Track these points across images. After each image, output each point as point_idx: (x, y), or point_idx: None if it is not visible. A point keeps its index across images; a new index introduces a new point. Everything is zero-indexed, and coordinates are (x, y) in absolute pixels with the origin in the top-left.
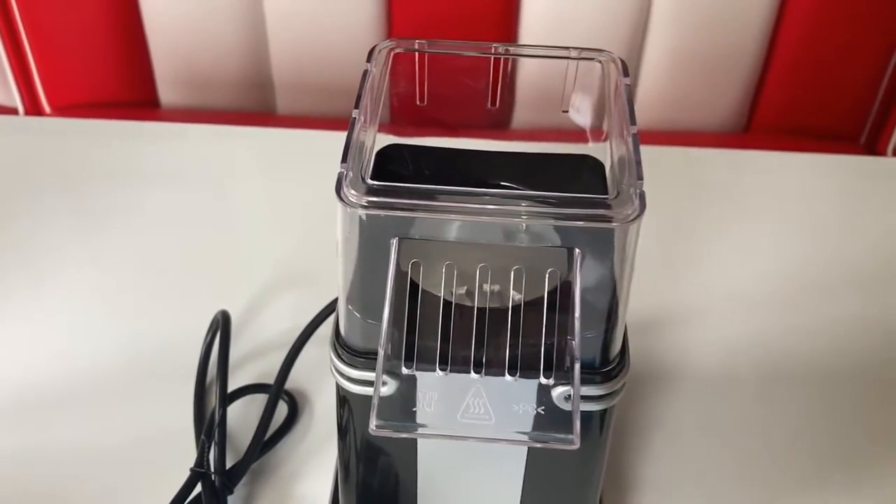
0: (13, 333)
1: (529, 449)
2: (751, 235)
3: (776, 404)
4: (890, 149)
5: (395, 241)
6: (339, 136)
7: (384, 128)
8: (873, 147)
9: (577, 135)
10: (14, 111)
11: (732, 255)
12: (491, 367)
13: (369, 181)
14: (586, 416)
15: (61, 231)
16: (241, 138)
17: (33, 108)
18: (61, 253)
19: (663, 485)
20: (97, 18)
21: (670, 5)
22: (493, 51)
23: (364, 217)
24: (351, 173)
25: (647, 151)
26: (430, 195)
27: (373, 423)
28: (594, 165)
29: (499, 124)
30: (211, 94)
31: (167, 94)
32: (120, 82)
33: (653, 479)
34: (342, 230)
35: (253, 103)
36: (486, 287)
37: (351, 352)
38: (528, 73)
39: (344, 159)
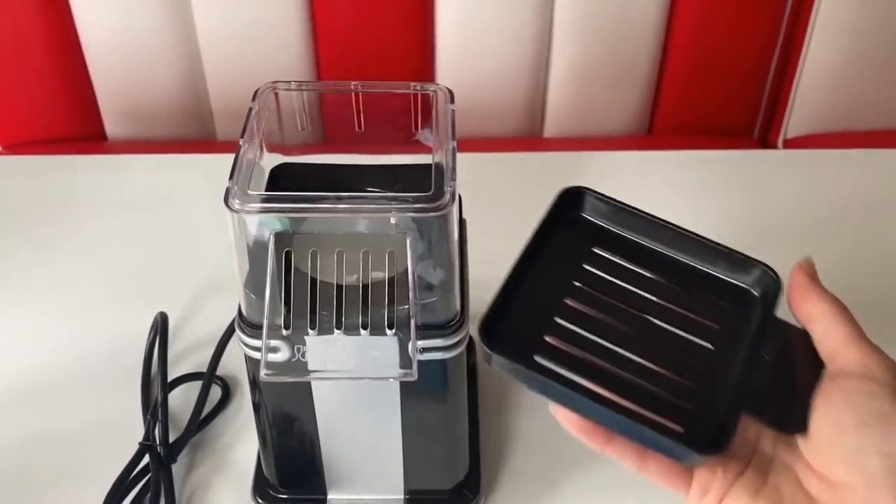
0: None
1: (402, 394)
2: None
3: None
4: (780, 140)
5: (271, 236)
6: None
7: (274, 149)
8: (766, 139)
9: (427, 147)
10: None
11: None
12: (349, 327)
13: (249, 192)
14: (440, 363)
15: (16, 256)
16: (182, 166)
17: None
18: (18, 274)
19: (535, 432)
20: (42, 60)
21: (570, 24)
22: (351, 87)
23: (246, 220)
24: (237, 187)
25: (557, 157)
26: (297, 200)
27: (262, 372)
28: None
29: (366, 143)
30: (154, 126)
31: (113, 127)
32: (67, 119)
33: (525, 428)
34: (232, 232)
35: (194, 131)
36: (343, 267)
37: (251, 326)
38: (383, 102)
39: (231, 177)
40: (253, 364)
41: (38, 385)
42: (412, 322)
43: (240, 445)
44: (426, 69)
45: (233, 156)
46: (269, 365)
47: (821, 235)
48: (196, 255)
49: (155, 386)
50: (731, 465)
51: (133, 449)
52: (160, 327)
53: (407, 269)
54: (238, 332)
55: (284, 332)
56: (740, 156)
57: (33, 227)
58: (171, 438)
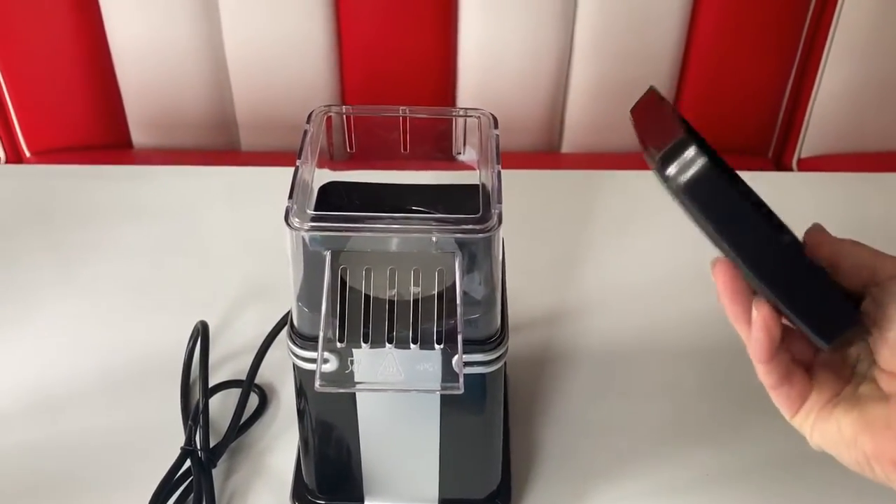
0: (24, 348)
1: (441, 406)
2: (651, 243)
3: (651, 373)
4: (794, 160)
5: (328, 254)
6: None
7: (324, 166)
8: (780, 159)
9: (469, 166)
10: None
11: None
12: (400, 341)
13: (308, 211)
14: (480, 377)
15: (58, 263)
16: (207, 176)
17: (13, 154)
18: (60, 281)
19: (563, 444)
20: (72, 69)
21: (590, 42)
22: (400, 112)
23: (305, 237)
24: (296, 206)
25: (572, 175)
26: (353, 220)
27: (317, 383)
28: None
29: (411, 164)
30: (180, 135)
31: (139, 135)
32: (95, 127)
33: (554, 448)
34: (290, 248)
35: (219, 141)
36: (395, 284)
37: (302, 338)
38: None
39: (290, 196)
40: (302, 373)
41: (76, 391)
42: (459, 337)
43: (277, 451)
44: (448, 83)
45: (254, 169)
46: (323, 376)
47: None
48: (228, 264)
49: (194, 393)
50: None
51: (172, 454)
52: (201, 334)
53: (454, 286)
54: (288, 342)
55: (339, 345)
56: (756, 177)
57: (63, 235)
58: (211, 444)
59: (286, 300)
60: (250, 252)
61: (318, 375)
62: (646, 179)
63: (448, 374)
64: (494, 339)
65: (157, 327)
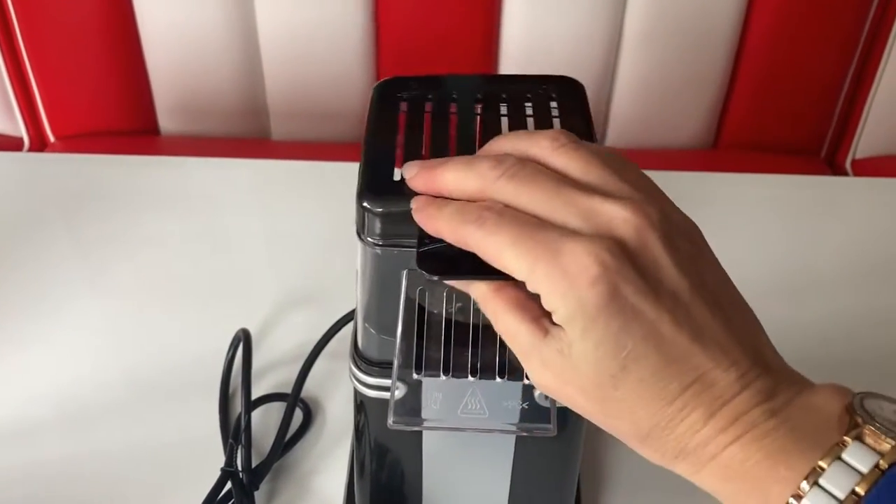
0: (55, 353)
1: (517, 440)
2: (714, 249)
3: None
4: (848, 161)
5: (405, 273)
6: (328, 166)
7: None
8: (833, 159)
9: None
10: (20, 141)
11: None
12: (484, 371)
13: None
14: (562, 411)
15: (84, 258)
16: (238, 169)
17: (38, 138)
18: (93, 279)
19: (635, 478)
20: (100, 53)
21: (640, 31)
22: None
23: (381, 253)
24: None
25: None
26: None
27: (390, 419)
28: None
29: None
30: (208, 122)
31: (167, 122)
32: (121, 112)
33: (626, 474)
34: (361, 264)
35: (248, 129)
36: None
37: (367, 362)
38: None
39: None
40: (366, 400)
41: (108, 401)
42: None
43: (324, 472)
44: (489, 72)
45: (288, 163)
46: (397, 410)
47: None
48: (267, 265)
49: (233, 405)
50: None
51: (209, 472)
52: (243, 343)
53: None
54: (352, 366)
55: (414, 376)
56: (810, 181)
57: (88, 228)
58: (253, 464)
59: (330, 307)
60: (288, 251)
61: (391, 410)
62: (697, 180)
63: (533, 411)
64: None
65: (191, 333)
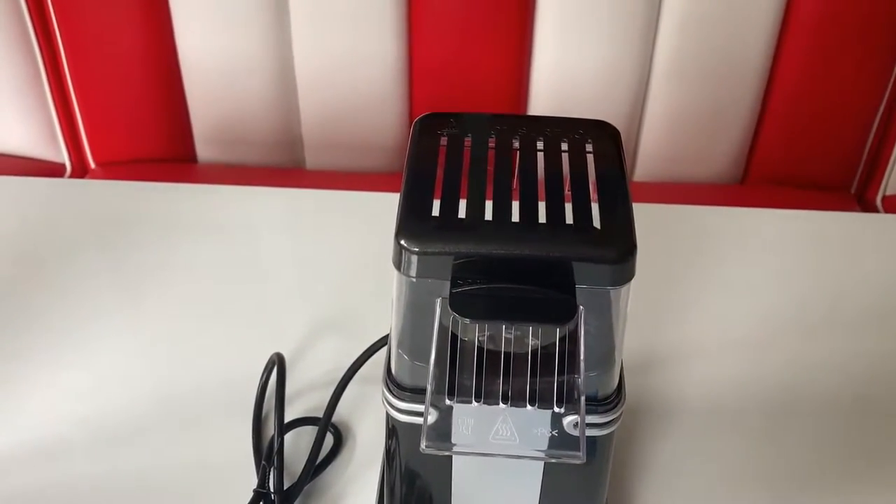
0: (91, 376)
1: (545, 467)
2: (742, 285)
3: (755, 435)
4: (879, 198)
5: (439, 301)
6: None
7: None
8: (863, 196)
9: None
10: (62, 167)
11: (727, 301)
12: (515, 399)
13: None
14: (591, 440)
15: (119, 286)
16: (272, 197)
17: (80, 165)
18: (130, 303)
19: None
20: (141, 83)
21: (669, 68)
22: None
23: (416, 282)
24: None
25: (648, 209)
26: None
27: (423, 444)
28: None
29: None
30: (244, 151)
31: (204, 150)
32: (161, 140)
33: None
34: (396, 291)
35: (283, 159)
36: (511, 336)
37: (399, 387)
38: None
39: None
40: (398, 425)
41: (141, 423)
42: (582, 399)
43: (353, 495)
44: (520, 107)
45: (321, 192)
46: (429, 435)
47: None
48: (299, 292)
49: (266, 428)
50: None
51: (243, 493)
52: (277, 367)
53: (576, 340)
54: (385, 392)
55: (447, 402)
56: (840, 217)
57: (124, 255)
58: (285, 486)
59: (361, 333)
60: (321, 278)
61: (423, 436)
62: (725, 215)
63: (562, 438)
64: (612, 400)
65: (225, 357)
